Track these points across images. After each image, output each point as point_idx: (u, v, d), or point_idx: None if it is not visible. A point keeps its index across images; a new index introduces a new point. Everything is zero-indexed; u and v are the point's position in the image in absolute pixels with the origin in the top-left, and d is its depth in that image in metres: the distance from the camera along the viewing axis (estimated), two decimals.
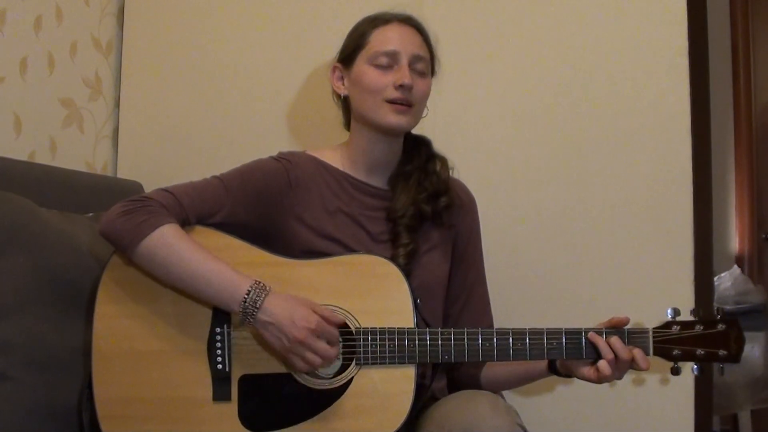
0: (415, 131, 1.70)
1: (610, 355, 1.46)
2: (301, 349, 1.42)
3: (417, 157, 1.69)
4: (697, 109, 1.96)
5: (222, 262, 1.47)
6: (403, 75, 1.58)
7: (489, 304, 1.76)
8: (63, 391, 1.60)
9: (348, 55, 1.65)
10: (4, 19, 1.97)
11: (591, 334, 1.48)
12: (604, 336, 1.48)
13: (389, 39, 1.61)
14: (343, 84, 1.67)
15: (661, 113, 1.95)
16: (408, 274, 1.53)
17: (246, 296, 1.43)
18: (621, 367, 1.47)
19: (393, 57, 1.60)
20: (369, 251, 1.59)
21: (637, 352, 1.47)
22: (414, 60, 1.61)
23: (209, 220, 1.56)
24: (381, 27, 1.63)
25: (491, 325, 1.73)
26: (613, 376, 1.47)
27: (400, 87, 1.57)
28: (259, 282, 1.45)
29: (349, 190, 1.66)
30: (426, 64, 1.63)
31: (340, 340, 1.48)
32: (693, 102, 1.94)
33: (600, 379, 1.49)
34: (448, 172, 1.70)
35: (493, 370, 1.67)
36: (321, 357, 1.43)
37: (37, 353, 1.58)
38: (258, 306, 1.43)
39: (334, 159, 1.69)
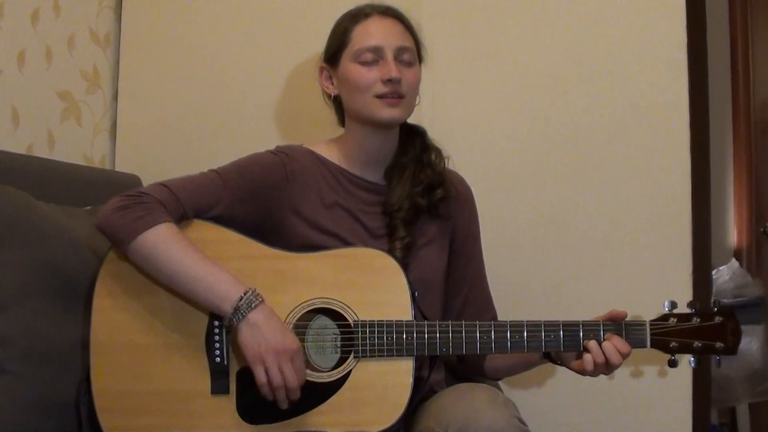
0: (413, 123, 1.70)
1: (600, 359, 1.48)
2: (271, 361, 1.41)
3: (412, 149, 1.68)
4: (696, 104, 1.96)
5: (217, 265, 1.47)
6: (390, 69, 1.57)
7: (491, 297, 1.76)
8: (61, 385, 1.60)
9: (333, 55, 1.64)
10: (2, 11, 1.96)
11: (586, 343, 1.49)
12: (601, 329, 1.49)
13: (371, 34, 1.60)
14: (332, 84, 1.67)
15: (660, 107, 1.95)
16: (405, 267, 1.53)
17: (242, 296, 1.43)
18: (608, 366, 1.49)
19: (377, 52, 1.58)
20: (366, 245, 1.59)
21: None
22: (399, 52, 1.59)
23: (207, 214, 1.55)
24: (362, 22, 1.62)
25: (495, 318, 1.73)
26: (594, 372, 1.49)
27: (388, 81, 1.56)
28: (255, 290, 1.45)
29: (345, 184, 1.66)
30: (412, 53, 1.62)
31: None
32: (692, 96, 1.94)
33: (583, 372, 1.51)
34: (444, 163, 1.69)
35: (495, 357, 1.68)
36: (285, 378, 1.42)
37: (35, 347, 1.58)
38: (252, 307, 1.43)
39: (331, 153, 1.69)
